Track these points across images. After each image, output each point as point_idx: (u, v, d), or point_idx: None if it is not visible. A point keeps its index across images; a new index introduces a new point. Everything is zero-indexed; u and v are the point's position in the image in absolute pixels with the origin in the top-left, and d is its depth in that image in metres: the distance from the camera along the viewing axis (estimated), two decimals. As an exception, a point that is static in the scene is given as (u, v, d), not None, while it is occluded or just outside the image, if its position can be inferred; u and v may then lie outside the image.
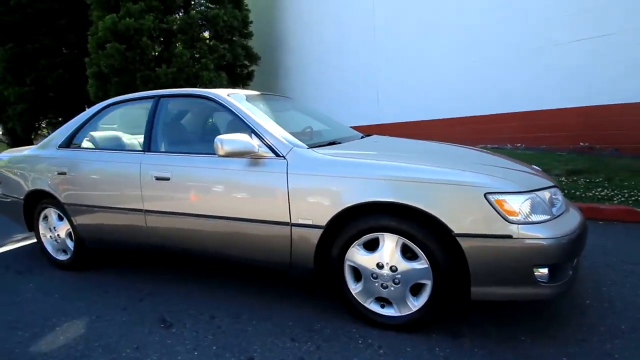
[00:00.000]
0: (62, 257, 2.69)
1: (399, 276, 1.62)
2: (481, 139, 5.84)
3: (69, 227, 2.56)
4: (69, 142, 2.58)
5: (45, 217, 2.69)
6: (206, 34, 7.95)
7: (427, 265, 1.57)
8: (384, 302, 1.70)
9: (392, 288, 1.64)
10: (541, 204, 1.52)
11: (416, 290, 1.64)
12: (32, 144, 6.95)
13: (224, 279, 2.36)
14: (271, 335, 1.72)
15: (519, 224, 1.44)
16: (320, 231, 1.70)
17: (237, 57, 7.95)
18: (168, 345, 1.70)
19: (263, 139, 1.88)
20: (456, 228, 1.47)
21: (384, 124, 7.34)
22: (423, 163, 1.65)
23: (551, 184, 1.69)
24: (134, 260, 2.79)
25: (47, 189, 2.53)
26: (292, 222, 1.75)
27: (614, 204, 3.22)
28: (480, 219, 1.46)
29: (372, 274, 1.66)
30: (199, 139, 2.38)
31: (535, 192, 1.53)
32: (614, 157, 4.51)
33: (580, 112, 5.06)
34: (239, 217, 1.87)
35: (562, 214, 1.59)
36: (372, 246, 1.67)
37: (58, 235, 2.63)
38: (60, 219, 2.61)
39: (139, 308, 2.06)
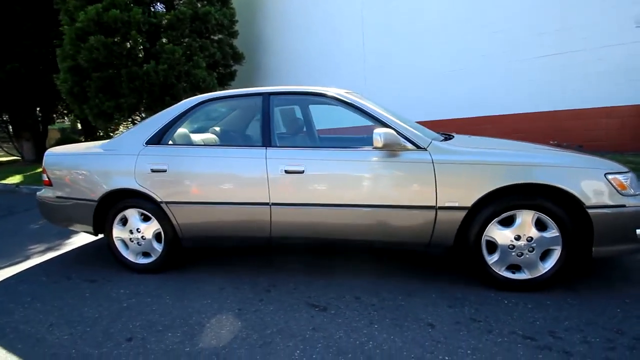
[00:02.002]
0: (142, 260, 2.56)
1: (534, 245, 1.96)
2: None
3: (158, 227, 2.46)
4: (159, 139, 2.48)
5: (123, 219, 2.54)
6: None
7: (557, 234, 1.94)
8: (514, 268, 2.04)
9: (527, 255, 1.98)
10: (634, 181, 1.99)
11: (543, 256, 2.01)
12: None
13: (330, 266, 2.49)
14: (428, 306, 1.95)
15: (627, 195, 1.89)
16: (465, 212, 1.98)
17: (225, 56, 7.80)
18: (341, 323, 1.83)
19: (401, 134, 2.10)
20: (587, 201, 1.87)
21: (368, 126, 7.81)
22: (542, 153, 2.03)
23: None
24: (208, 258, 2.76)
25: (136, 187, 2.41)
26: (438, 205, 2.01)
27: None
28: (603, 193, 1.88)
29: (509, 246, 1.99)
30: (315, 134, 2.48)
31: (631, 172, 2.00)
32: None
33: (549, 115, 6.05)
34: (384, 204, 2.06)
35: None
36: (507, 222, 2.00)
37: (142, 237, 2.50)
38: (146, 219, 2.50)
39: (278, 298, 2.12)
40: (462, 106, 6.73)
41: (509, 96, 6.30)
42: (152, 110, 7.13)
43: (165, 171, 2.37)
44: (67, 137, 11.18)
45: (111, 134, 10.01)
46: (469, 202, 1.97)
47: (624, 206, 1.88)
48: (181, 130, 2.51)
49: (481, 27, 6.34)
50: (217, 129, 2.57)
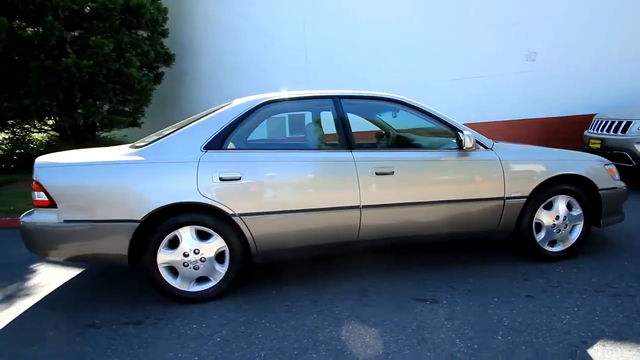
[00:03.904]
0: (197, 287, 2.18)
1: (567, 222, 2.50)
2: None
3: (222, 245, 2.14)
4: (221, 143, 2.16)
5: (172, 241, 2.11)
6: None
7: (580, 212, 2.52)
8: (552, 243, 2.55)
9: (563, 231, 2.51)
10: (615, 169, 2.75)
11: (570, 230, 2.57)
12: None
13: (395, 264, 2.60)
14: (512, 282, 2.26)
15: (616, 180, 2.62)
16: (524, 201, 2.40)
17: (157, 56, 6.96)
18: (461, 310, 1.98)
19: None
20: (599, 185, 2.50)
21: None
22: (563, 151, 2.62)
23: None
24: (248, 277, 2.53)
25: (200, 200, 2.06)
26: (506, 196, 2.37)
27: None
28: (605, 179, 2.55)
29: (551, 225, 2.49)
30: (399, 136, 2.55)
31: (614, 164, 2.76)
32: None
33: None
34: (465, 198, 2.31)
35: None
36: (547, 206, 2.50)
37: (201, 258, 2.12)
38: (204, 237, 2.13)
39: (381, 299, 2.14)
40: (392, 122, 7.61)
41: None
42: (66, 114, 5.81)
43: (239, 179, 2.09)
44: None
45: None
46: (527, 191, 2.39)
47: (616, 188, 2.59)
48: (245, 133, 2.25)
49: (402, 50, 7.25)
50: (286, 131, 2.39)
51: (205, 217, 2.10)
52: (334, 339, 1.77)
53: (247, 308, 2.11)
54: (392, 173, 2.24)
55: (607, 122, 4.76)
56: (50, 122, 6.10)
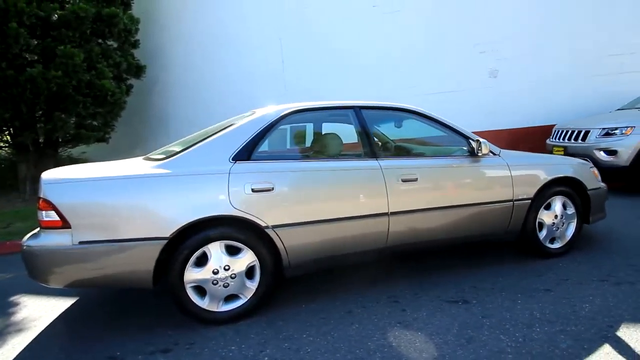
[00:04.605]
0: (226, 306, 2.07)
1: (563, 220, 2.74)
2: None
3: (252, 259, 2.07)
4: (249, 154, 2.10)
5: (201, 258, 1.99)
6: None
7: (574, 211, 2.78)
8: (552, 240, 2.77)
9: (561, 229, 2.74)
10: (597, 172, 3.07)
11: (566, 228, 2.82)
12: None
13: (415, 269, 2.67)
14: (527, 278, 2.41)
15: (599, 181, 2.93)
16: (529, 202, 2.59)
17: (130, 67, 6.62)
18: (493, 307, 2.08)
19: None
20: (588, 186, 2.79)
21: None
22: (556, 157, 2.88)
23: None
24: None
25: (232, 213, 1.98)
26: (515, 198, 2.54)
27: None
28: (592, 180, 2.85)
29: (552, 223, 2.71)
30: (417, 145, 2.63)
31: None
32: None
33: (432, 139, 7.84)
34: (482, 201, 2.45)
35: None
36: (547, 207, 2.72)
37: (231, 275, 2.02)
38: (232, 252, 2.04)
39: (416, 304, 2.18)
40: (400, 131, 7.89)
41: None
42: (29, 128, 5.29)
43: (271, 190, 2.04)
44: None
45: None
46: (531, 194, 2.60)
47: (600, 188, 2.90)
48: (271, 143, 2.21)
49: (382, 67, 7.64)
50: (307, 140, 2.38)
51: (236, 230, 2.02)
52: (385, 346, 1.77)
53: (282, 324, 2.04)
54: (416, 180, 2.32)
55: (567, 131, 5.32)
56: (7, 137, 5.48)
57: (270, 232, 2.05)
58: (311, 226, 2.12)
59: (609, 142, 4.65)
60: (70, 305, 2.46)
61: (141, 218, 1.89)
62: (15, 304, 2.55)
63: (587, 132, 4.93)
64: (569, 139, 5.21)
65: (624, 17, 6.62)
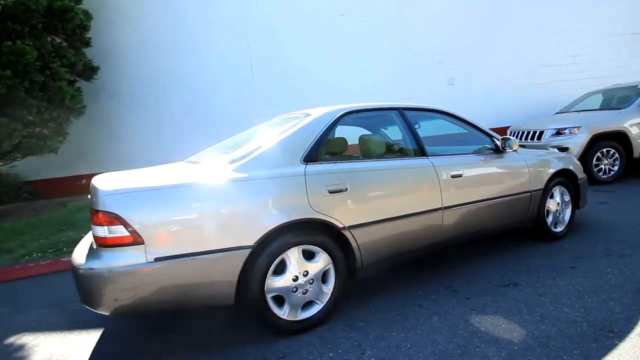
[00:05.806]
0: (305, 314, 1.99)
1: (563, 206, 3.16)
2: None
3: (327, 263, 2.03)
4: (316, 155, 2.05)
5: (279, 265, 1.89)
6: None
7: (569, 199, 3.22)
8: (554, 225, 3.16)
9: (562, 214, 3.15)
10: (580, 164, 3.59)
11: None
12: None
13: (436, 262, 2.84)
14: (548, 262, 2.72)
15: (582, 172, 3.44)
16: (541, 192, 2.94)
17: (85, 68, 5.92)
18: (541, 285, 2.32)
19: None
20: (578, 176, 3.25)
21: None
22: (556, 153, 3.31)
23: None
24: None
25: (313, 216, 1.93)
26: (531, 190, 2.87)
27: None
28: (579, 171, 3.33)
29: (556, 210, 3.10)
30: (453, 143, 2.78)
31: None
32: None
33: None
34: (511, 193, 2.73)
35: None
36: (551, 196, 3.11)
37: (309, 280, 1.96)
38: (309, 257, 1.98)
39: (469, 294, 2.32)
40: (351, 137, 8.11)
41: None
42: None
43: (345, 190, 2.02)
44: None
45: None
46: (543, 184, 2.95)
47: (584, 178, 3.41)
48: (330, 144, 2.19)
49: (351, 71, 7.93)
50: (362, 140, 2.39)
51: (315, 234, 1.96)
52: (476, 332, 1.87)
53: (363, 325, 2.03)
54: (462, 175, 2.49)
55: (522, 132, 6.08)
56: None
57: (346, 233, 2.03)
58: (382, 224, 2.15)
59: (560, 140, 5.44)
60: (101, 337, 2.13)
61: (222, 226, 1.74)
62: (18, 347, 2.11)
63: (541, 132, 5.69)
64: (526, 138, 5.95)
65: (554, 33, 7.81)
